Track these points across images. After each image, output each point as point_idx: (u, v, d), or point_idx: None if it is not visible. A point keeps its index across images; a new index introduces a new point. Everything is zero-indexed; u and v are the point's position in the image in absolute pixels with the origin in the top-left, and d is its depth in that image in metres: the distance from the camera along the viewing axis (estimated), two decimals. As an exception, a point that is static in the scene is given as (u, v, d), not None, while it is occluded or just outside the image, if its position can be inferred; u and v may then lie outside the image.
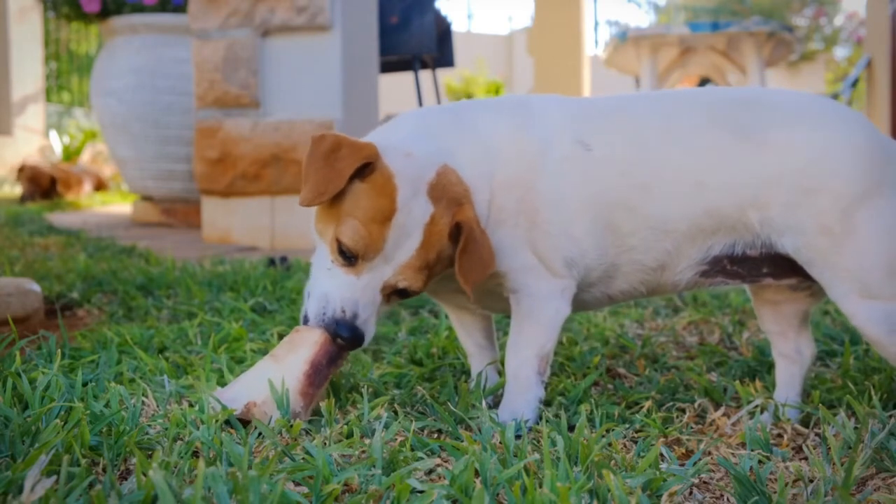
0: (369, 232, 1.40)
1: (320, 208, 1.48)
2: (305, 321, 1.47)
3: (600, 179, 1.51)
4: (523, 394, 1.53)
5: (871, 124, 1.50)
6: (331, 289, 1.45)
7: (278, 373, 1.44)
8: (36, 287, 2.28)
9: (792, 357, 1.66)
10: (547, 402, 1.59)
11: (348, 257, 1.43)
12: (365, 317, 1.44)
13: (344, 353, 1.48)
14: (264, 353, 1.95)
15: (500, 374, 1.76)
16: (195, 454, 1.28)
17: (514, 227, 1.53)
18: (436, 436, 1.42)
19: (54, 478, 1.04)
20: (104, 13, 5.62)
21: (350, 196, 1.43)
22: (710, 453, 1.37)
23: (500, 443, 1.33)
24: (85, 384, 1.61)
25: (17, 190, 9.25)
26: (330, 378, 1.47)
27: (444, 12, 6.23)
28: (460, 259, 1.43)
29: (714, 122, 1.50)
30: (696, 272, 1.55)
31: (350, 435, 1.36)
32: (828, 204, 1.41)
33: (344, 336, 1.43)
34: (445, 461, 1.29)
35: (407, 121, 1.61)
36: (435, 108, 1.66)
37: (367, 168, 1.42)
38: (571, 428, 1.45)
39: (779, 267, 1.52)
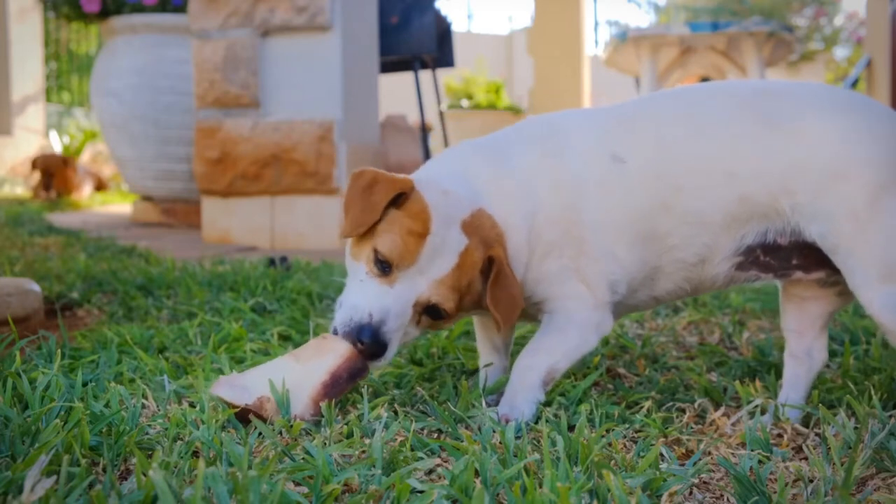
0: (405, 242, 1.44)
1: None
2: (335, 332, 1.48)
3: (638, 189, 1.54)
4: (524, 393, 1.54)
5: None
6: (361, 298, 1.47)
7: (298, 374, 1.44)
8: (36, 287, 2.28)
9: (801, 359, 1.66)
10: (547, 403, 1.59)
11: (383, 266, 1.46)
12: (393, 327, 1.45)
13: (365, 371, 1.47)
14: (264, 353, 1.95)
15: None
16: (195, 454, 1.28)
17: (560, 257, 1.57)
18: (436, 436, 1.42)
19: (54, 478, 1.04)
20: (104, 13, 5.63)
21: (386, 219, 1.47)
22: (710, 453, 1.37)
23: (500, 443, 1.33)
24: (85, 384, 1.61)
25: (18, 190, 9.24)
26: (344, 393, 1.46)
27: (444, 12, 6.23)
28: (492, 290, 1.48)
29: (741, 111, 1.53)
30: (731, 264, 1.57)
31: (350, 435, 1.36)
32: (856, 190, 1.44)
33: (364, 340, 1.43)
34: (445, 461, 1.29)
35: (447, 160, 1.65)
36: (472, 145, 1.67)
37: (401, 197, 1.47)
38: (571, 428, 1.45)
39: (808, 259, 1.54)
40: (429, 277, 1.46)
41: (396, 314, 1.45)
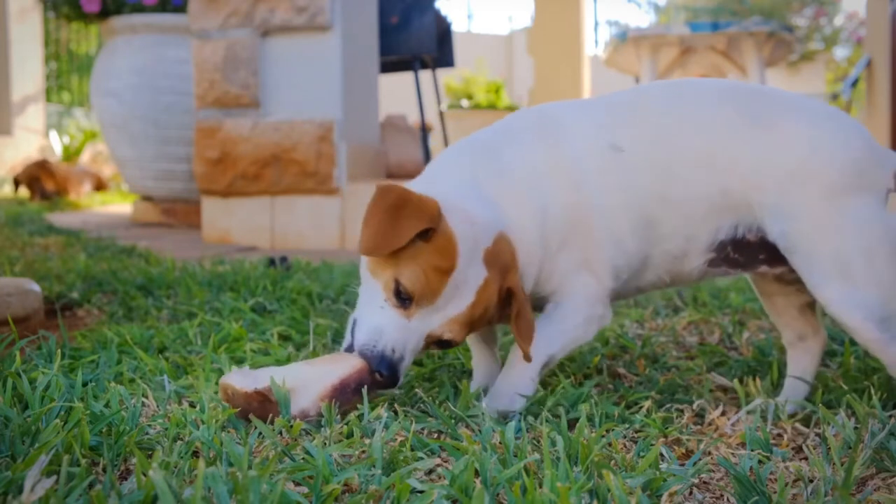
0: (429, 280, 1.43)
1: None
2: (349, 349, 1.48)
3: (636, 177, 1.57)
4: (521, 378, 1.56)
5: (866, 131, 1.59)
6: (385, 325, 1.46)
7: (309, 374, 1.45)
8: (36, 287, 2.28)
9: (794, 343, 1.75)
10: (547, 403, 1.59)
11: (403, 299, 1.45)
12: (408, 362, 1.47)
13: (370, 389, 1.47)
14: (264, 353, 1.95)
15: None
16: (195, 454, 1.28)
17: (571, 249, 1.59)
18: (436, 436, 1.42)
19: (54, 478, 1.04)
20: (104, 13, 5.63)
21: (412, 248, 1.44)
22: (710, 453, 1.37)
23: (500, 443, 1.33)
24: (85, 384, 1.61)
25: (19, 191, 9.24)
26: (349, 405, 1.45)
27: (444, 12, 6.23)
28: (517, 323, 1.49)
29: (726, 104, 1.57)
30: (704, 260, 1.61)
31: (350, 435, 1.36)
32: (818, 192, 1.49)
33: (384, 373, 1.44)
34: (445, 461, 1.29)
35: (452, 168, 1.61)
36: (472, 147, 1.65)
37: (429, 230, 1.44)
38: (571, 428, 1.45)
39: (772, 253, 1.58)
40: (444, 315, 1.46)
41: (412, 350, 1.47)
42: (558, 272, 1.60)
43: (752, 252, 1.59)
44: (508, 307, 1.52)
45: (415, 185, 1.56)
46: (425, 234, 1.44)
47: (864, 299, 1.47)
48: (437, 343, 1.51)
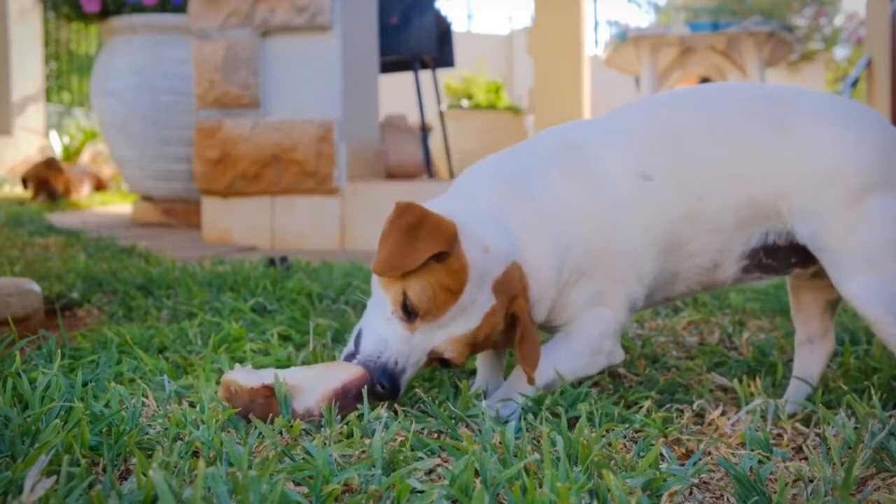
0: (436, 296, 1.44)
1: None
2: (350, 357, 1.48)
3: (664, 203, 1.58)
4: (522, 386, 1.56)
5: (887, 123, 1.60)
6: (391, 337, 1.47)
7: (311, 377, 1.45)
8: (36, 287, 2.28)
9: (803, 344, 1.76)
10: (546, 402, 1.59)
11: (409, 312, 1.46)
12: (409, 375, 1.48)
13: (370, 398, 1.46)
14: (264, 353, 1.95)
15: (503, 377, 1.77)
16: (195, 454, 1.28)
17: (589, 282, 1.59)
18: (436, 436, 1.42)
19: (54, 478, 1.04)
20: (104, 13, 5.62)
21: (424, 267, 1.45)
22: (710, 453, 1.37)
23: (500, 443, 1.33)
24: (85, 384, 1.61)
25: (18, 190, 9.25)
26: (348, 412, 1.45)
27: (444, 12, 6.23)
28: (521, 347, 1.50)
29: (747, 116, 1.58)
30: (739, 267, 1.63)
31: (350, 435, 1.36)
32: (843, 192, 1.51)
33: (385, 385, 1.45)
34: (445, 461, 1.29)
35: (477, 197, 1.60)
36: (500, 179, 1.62)
37: (444, 252, 1.45)
38: (571, 427, 1.45)
39: (803, 254, 1.60)
40: (447, 333, 1.48)
41: (414, 363, 1.48)
42: (573, 304, 1.60)
43: (783, 256, 1.61)
44: (514, 332, 1.52)
45: (434, 206, 1.55)
46: (438, 256, 1.45)
47: (886, 292, 1.48)
48: (439, 361, 1.52)
